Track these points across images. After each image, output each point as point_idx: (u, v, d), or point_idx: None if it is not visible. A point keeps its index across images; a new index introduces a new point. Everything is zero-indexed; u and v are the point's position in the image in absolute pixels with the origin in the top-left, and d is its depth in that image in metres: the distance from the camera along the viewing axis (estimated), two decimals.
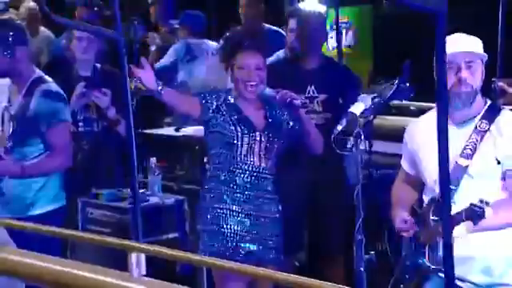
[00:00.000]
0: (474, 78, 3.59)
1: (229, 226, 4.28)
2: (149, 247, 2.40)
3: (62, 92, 4.71)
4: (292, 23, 5.38)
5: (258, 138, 4.30)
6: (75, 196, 5.07)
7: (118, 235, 3.94)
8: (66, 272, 2.31)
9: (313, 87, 5.08)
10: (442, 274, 3.57)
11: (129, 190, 4.94)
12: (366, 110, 3.65)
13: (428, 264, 3.61)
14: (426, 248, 3.62)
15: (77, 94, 5.21)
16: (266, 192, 4.35)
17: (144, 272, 2.25)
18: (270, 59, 5.03)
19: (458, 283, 3.52)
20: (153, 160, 5.07)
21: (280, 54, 5.45)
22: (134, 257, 2.26)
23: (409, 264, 3.70)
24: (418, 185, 3.82)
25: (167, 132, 6.25)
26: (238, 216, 4.30)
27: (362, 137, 3.47)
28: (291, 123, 4.34)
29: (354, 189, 3.66)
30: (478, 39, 3.67)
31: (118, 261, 2.29)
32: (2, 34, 4.52)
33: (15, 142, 4.61)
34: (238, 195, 4.30)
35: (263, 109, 4.37)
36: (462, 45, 3.60)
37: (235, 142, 4.29)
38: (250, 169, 4.30)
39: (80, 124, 5.35)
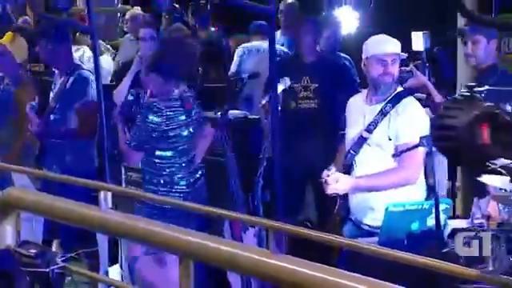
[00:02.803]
0: (395, 71, 4.49)
1: None
2: (115, 187, 3.23)
3: (91, 78, 5.60)
4: None
5: None
6: None
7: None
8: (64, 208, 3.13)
9: (307, 78, 6.11)
10: (352, 218, 4.49)
11: None
12: None
13: (341, 212, 4.52)
14: (338, 199, 4.51)
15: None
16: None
17: (110, 206, 3.06)
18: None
19: (359, 225, 4.47)
20: None
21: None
22: (102, 194, 3.06)
23: (333, 212, 4.59)
24: None
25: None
26: None
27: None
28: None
29: None
30: (398, 41, 4.54)
31: None
32: (47, 32, 5.53)
33: (57, 115, 5.60)
34: None
35: None
36: (391, 47, 4.51)
37: None
38: None
39: None
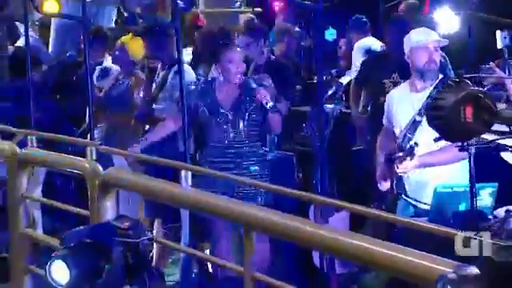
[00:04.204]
0: (438, 58, 4.84)
1: None
2: (192, 167, 3.63)
3: (190, 71, 6.08)
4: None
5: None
6: None
7: None
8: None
9: (396, 74, 6.37)
10: (405, 197, 4.81)
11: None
12: None
13: (394, 190, 4.81)
14: (394, 179, 4.78)
15: None
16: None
17: (190, 183, 3.46)
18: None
19: (415, 203, 4.77)
20: None
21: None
22: (183, 173, 3.48)
23: (384, 192, 4.90)
24: (393, 134, 4.99)
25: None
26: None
27: (344, 98, 4.65)
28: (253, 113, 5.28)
29: None
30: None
31: None
32: (149, 31, 6.08)
33: (158, 105, 6.09)
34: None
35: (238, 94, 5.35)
36: (432, 35, 4.91)
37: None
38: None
39: None
